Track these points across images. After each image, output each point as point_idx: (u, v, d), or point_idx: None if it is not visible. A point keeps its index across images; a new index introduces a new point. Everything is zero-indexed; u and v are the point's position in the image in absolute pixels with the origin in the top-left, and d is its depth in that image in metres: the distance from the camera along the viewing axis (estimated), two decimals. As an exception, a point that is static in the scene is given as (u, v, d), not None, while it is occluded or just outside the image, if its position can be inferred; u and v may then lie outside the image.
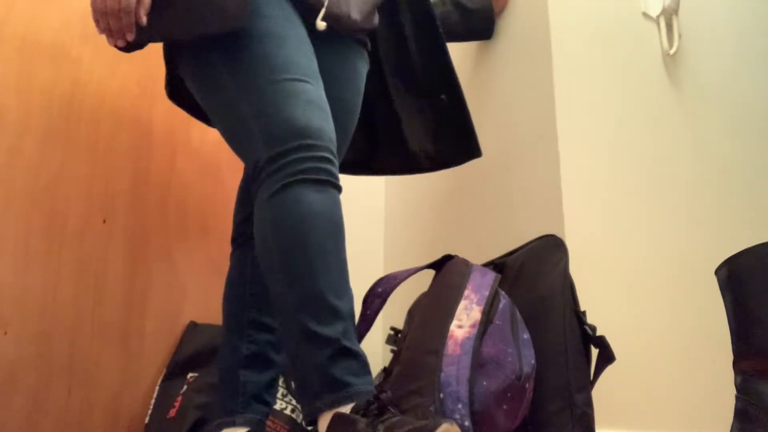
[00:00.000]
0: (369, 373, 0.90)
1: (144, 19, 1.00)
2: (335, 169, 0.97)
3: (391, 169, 1.39)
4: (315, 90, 1.00)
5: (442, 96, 1.31)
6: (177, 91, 1.27)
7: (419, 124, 1.34)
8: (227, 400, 1.08)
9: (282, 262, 0.92)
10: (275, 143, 0.94)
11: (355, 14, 1.16)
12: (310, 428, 0.91)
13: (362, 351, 0.91)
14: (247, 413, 1.07)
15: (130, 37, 1.01)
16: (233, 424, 1.06)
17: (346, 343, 0.88)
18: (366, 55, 1.27)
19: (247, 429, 1.05)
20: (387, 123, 1.34)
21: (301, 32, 1.06)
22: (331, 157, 0.96)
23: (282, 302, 0.91)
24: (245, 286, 1.14)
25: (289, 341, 0.91)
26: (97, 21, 1.02)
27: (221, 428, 1.06)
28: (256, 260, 1.12)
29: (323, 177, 0.94)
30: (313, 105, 0.98)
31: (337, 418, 0.82)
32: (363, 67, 1.25)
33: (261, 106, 0.97)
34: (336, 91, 1.17)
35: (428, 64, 1.32)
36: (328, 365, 0.87)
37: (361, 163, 1.39)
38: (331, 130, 0.98)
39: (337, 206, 0.97)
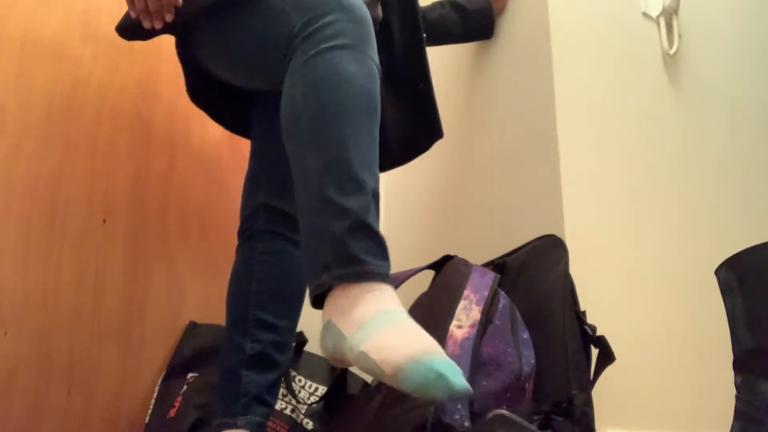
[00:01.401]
0: (387, 258, 0.82)
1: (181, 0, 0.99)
2: (373, 48, 0.91)
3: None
4: None
5: (420, 84, 1.30)
6: (197, 93, 1.25)
7: (398, 113, 1.32)
8: (228, 401, 1.07)
9: (311, 125, 0.84)
10: (310, 8, 0.89)
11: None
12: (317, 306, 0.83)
13: (383, 235, 0.83)
14: (248, 415, 1.05)
15: (169, 18, 0.99)
16: (234, 426, 1.04)
17: (368, 219, 0.81)
18: None
19: (247, 431, 1.04)
20: None
21: None
22: (371, 32, 0.90)
23: (303, 168, 0.84)
24: (251, 283, 1.12)
25: (304, 212, 0.84)
26: (132, 2, 1.00)
27: (221, 429, 1.05)
28: (263, 256, 1.11)
29: (362, 47, 0.88)
30: None
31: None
32: None
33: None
34: None
35: (410, 55, 1.30)
36: (344, 238, 0.78)
37: None
38: (368, 11, 0.93)
39: (375, 81, 0.89)
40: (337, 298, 0.79)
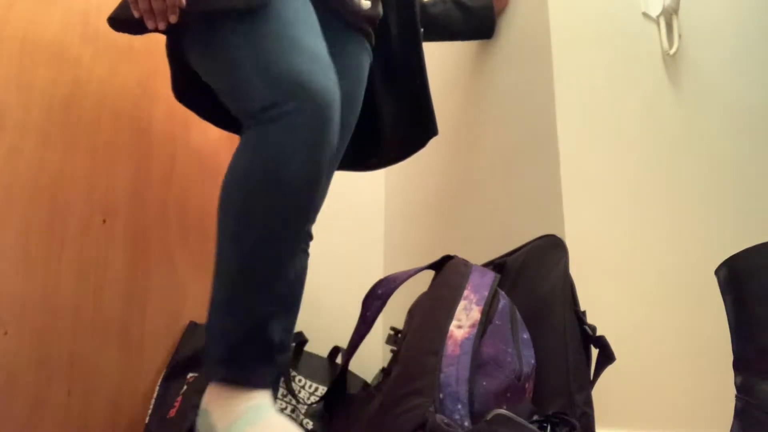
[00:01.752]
0: (274, 363, 0.88)
1: (185, 1, 0.98)
2: (331, 130, 0.92)
3: (369, 163, 1.37)
4: (322, 45, 0.98)
5: (417, 81, 1.30)
6: (183, 91, 1.25)
7: (394, 110, 1.32)
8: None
9: (238, 221, 0.88)
10: (271, 92, 0.91)
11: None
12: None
13: (274, 340, 0.88)
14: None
15: (173, 19, 0.98)
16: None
17: (268, 327, 0.86)
18: (369, 47, 1.26)
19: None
20: (366, 114, 1.32)
21: (315, 19, 1.05)
22: (331, 115, 0.91)
23: (223, 253, 0.90)
24: None
25: (219, 289, 0.89)
26: (135, 2, 0.99)
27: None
28: None
29: (318, 139, 0.90)
30: (318, 57, 0.95)
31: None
32: (366, 60, 1.24)
33: (264, 58, 0.93)
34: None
35: (406, 50, 1.31)
36: (240, 341, 0.85)
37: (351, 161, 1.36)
38: (331, 84, 0.94)
39: (317, 181, 0.92)
40: (218, 390, 0.85)
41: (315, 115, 0.89)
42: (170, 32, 1.13)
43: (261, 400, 0.83)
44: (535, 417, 0.82)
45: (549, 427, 0.81)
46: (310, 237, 1.21)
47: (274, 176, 0.88)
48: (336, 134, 0.94)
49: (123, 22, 1.08)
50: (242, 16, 0.98)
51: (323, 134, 0.90)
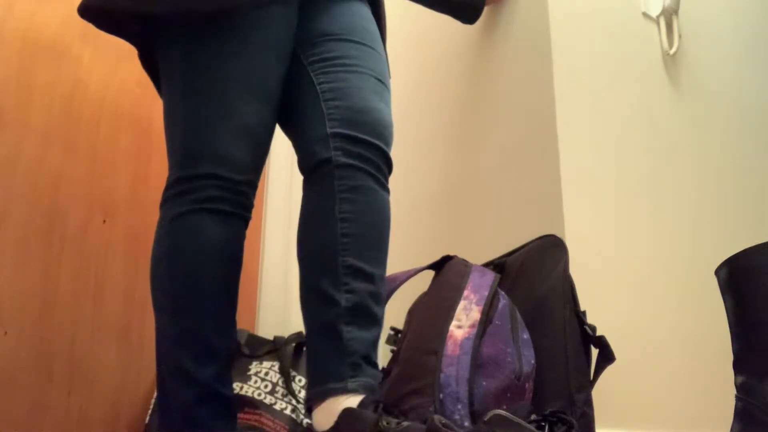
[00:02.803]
0: (233, 416, 0.91)
1: None
2: (248, 199, 0.96)
3: None
4: (257, 112, 0.97)
5: None
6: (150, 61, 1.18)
7: None
8: (330, 363, 0.89)
9: (172, 292, 0.92)
10: (189, 164, 0.93)
11: None
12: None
13: (231, 393, 0.91)
14: (359, 377, 0.88)
15: None
16: (345, 391, 0.87)
17: (217, 386, 0.89)
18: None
19: (362, 396, 0.87)
20: None
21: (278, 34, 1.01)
22: (244, 189, 0.94)
23: (163, 333, 0.92)
24: (336, 224, 0.93)
25: (160, 371, 0.91)
26: None
27: (328, 396, 0.87)
28: (347, 193, 0.94)
29: (229, 208, 0.93)
30: (245, 132, 0.95)
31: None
32: (361, 8, 1.13)
33: (191, 121, 0.95)
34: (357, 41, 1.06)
35: None
36: (193, 406, 0.87)
37: None
38: (253, 158, 0.96)
39: (238, 240, 0.95)
40: None
41: (230, 189, 0.94)
42: (140, 44, 1.10)
43: None
44: (533, 416, 0.82)
45: (547, 427, 0.81)
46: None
47: (202, 244, 0.93)
48: (251, 200, 0.99)
49: (94, 11, 1.02)
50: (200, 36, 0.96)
51: (240, 205, 0.96)
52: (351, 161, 0.95)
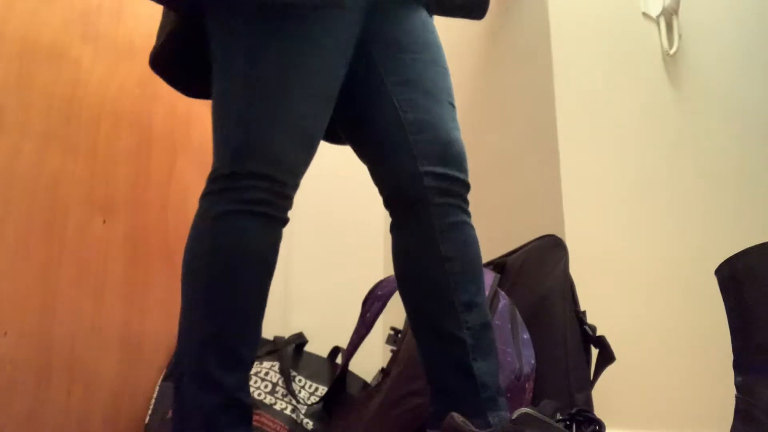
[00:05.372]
0: (250, 423, 0.90)
1: None
2: (291, 204, 0.95)
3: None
4: (316, 115, 0.96)
5: None
6: (162, 60, 1.14)
7: None
8: (466, 401, 0.91)
9: (207, 292, 0.90)
10: (240, 160, 0.91)
11: None
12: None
13: (250, 401, 0.91)
14: (497, 411, 0.90)
15: None
16: (488, 426, 0.89)
17: (239, 394, 0.88)
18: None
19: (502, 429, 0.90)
20: None
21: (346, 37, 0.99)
22: (290, 192, 0.93)
23: (189, 330, 0.90)
24: (443, 264, 0.96)
25: (179, 368, 0.90)
26: None
27: (483, 430, 0.89)
28: (446, 233, 0.97)
29: (274, 212, 0.92)
30: (302, 135, 0.94)
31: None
32: (427, 20, 1.11)
33: (248, 116, 0.93)
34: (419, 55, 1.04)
35: None
36: (214, 412, 0.86)
37: None
38: (303, 162, 0.95)
39: (277, 244, 0.95)
40: None
41: (276, 192, 0.92)
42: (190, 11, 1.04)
43: None
44: (559, 416, 0.81)
45: (575, 426, 0.81)
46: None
47: (246, 247, 0.91)
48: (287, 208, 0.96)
49: None
50: (268, 26, 0.93)
51: (282, 210, 0.93)
52: (445, 199, 0.98)
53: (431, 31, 1.09)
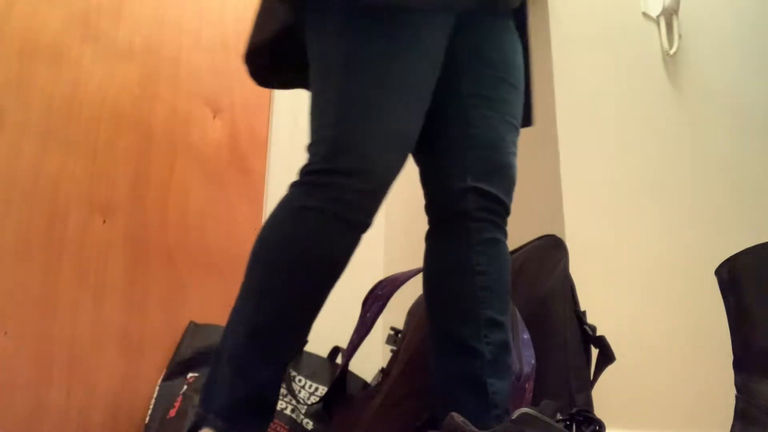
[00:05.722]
0: (266, 423, 0.90)
1: None
2: (376, 207, 0.93)
3: None
4: (413, 120, 0.94)
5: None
6: (261, 54, 1.11)
7: None
8: (476, 415, 0.90)
9: (273, 281, 0.88)
10: (336, 156, 0.89)
11: None
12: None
13: (275, 399, 0.90)
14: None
15: None
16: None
17: (269, 392, 0.87)
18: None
19: None
20: None
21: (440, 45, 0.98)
22: (379, 196, 0.92)
23: (241, 314, 0.88)
24: (474, 277, 0.97)
25: (223, 349, 0.88)
26: None
27: None
28: (481, 247, 0.98)
29: (355, 216, 0.90)
30: (398, 137, 0.92)
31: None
32: (517, 42, 1.10)
33: (348, 113, 0.91)
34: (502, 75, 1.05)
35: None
36: (239, 402, 0.85)
37: None
38: (396, 166, 0.94)
39: (351, 251, 0.93)
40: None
41: (366, 194, 0.90)
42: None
43: None
44: (559, 416, 0.81)
45: (575, 426, 0.81)
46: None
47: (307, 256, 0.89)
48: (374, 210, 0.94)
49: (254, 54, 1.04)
50: (370, 24, 0.92)
51: (368, 214, 0.92)
52: (485, 215, 0.99)
53: (518, 51, 1.08)
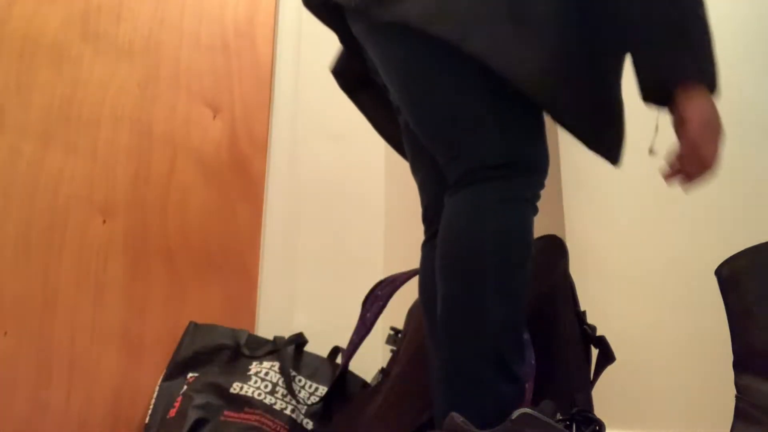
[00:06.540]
0: None
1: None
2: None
3: None
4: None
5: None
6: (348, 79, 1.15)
7: None
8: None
9: (499, 272, 0.86)
10: (515, 151, 0.91)
11: None
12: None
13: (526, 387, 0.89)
14: None
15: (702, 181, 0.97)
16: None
17: (525, 385, 0.86)
18: None
19: None
20: None
21: None
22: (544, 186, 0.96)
23: (478, 315, 0.84)
24: None
25: (470, 357, 0.84)
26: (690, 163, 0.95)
27: None
28: None
29: (536, 206, 0.93)
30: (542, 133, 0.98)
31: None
32: None
33: (508, 115, 0.93)
34: None
35: None
36: (510, 403, 0.81)
37: None
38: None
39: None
40: None
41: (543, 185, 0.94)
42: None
43: None
44: (559, 416, 0.81)
45: (575, 426, 0.81)
46: None
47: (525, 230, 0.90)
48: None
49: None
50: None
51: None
52: None
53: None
